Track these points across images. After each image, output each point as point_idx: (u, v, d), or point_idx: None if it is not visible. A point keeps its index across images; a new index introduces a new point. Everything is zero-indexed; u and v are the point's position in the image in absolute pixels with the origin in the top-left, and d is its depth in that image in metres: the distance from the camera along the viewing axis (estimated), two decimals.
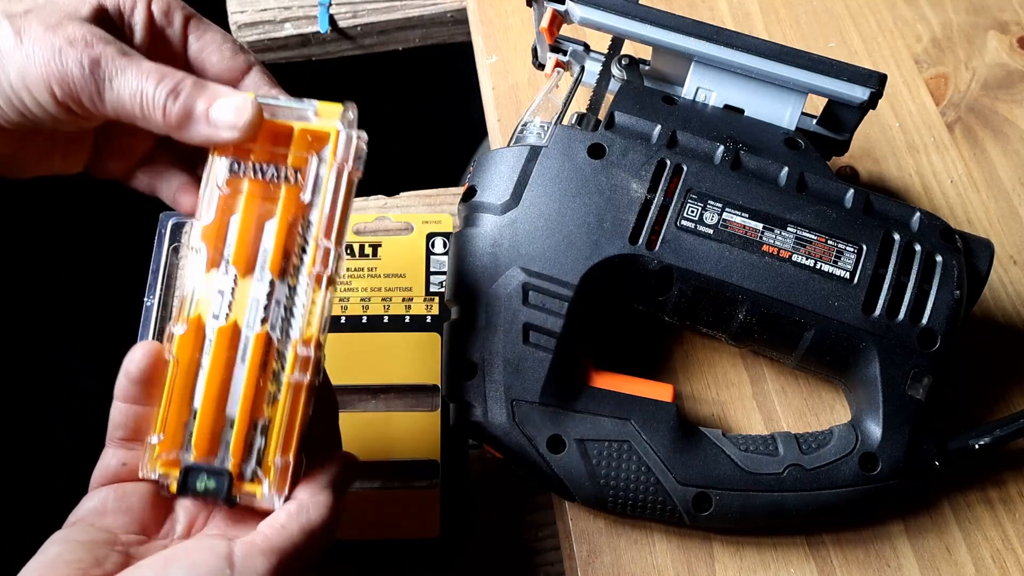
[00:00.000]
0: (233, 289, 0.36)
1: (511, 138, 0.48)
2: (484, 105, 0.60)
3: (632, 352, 0.49)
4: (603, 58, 0.51)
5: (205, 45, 0.39)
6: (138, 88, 0.35)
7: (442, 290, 0.53)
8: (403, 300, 0.53)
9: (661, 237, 0.43)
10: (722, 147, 0.45)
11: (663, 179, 0.44)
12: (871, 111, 0.47)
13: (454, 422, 0.44)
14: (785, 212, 0.44)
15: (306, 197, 0.36)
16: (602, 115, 0.46)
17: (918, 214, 0.44)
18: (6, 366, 0.81)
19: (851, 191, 0.44)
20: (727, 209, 0.44)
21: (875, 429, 0.43)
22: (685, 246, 0.43)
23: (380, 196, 0.58)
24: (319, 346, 0.36)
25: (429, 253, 0.55)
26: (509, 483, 0.50)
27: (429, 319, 0.53)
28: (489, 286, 0.44)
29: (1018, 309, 0.52)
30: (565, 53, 0.52)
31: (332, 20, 0.66)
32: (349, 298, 0.53)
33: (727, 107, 0.48)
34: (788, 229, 0.43)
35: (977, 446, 0.44)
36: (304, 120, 0.36)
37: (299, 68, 0.68)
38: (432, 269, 0.54)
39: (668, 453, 0.43)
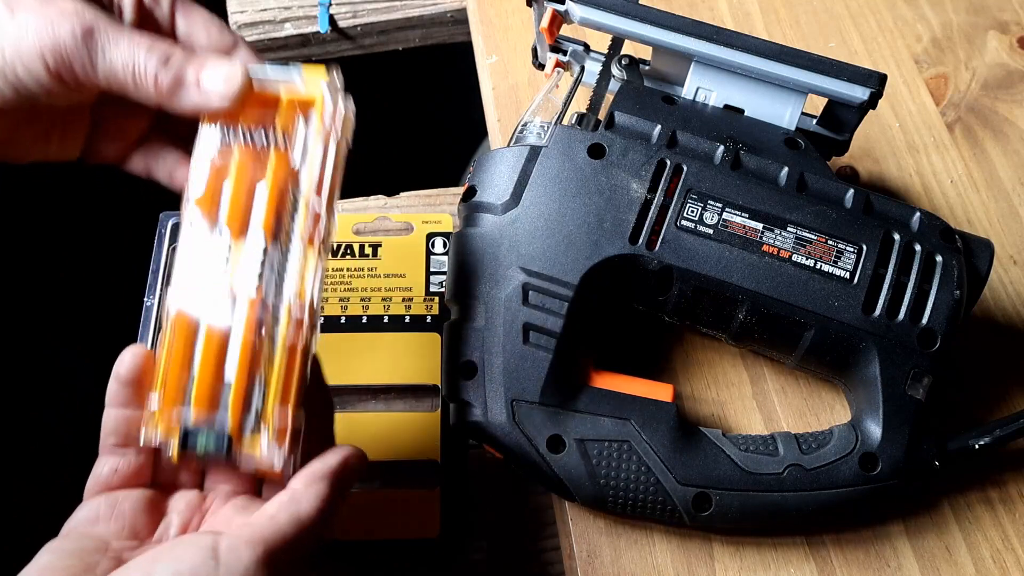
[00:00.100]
0: (228, 252, 0.37)
1: (511, 138, 0.48)
2: (484, 105, 0.60)
3: (632, 352, 0.49)
4: (603, 58, 0.51)
5: (192, 24, 0.40)
6: (130, 57, 0.35)
7: (442, 290, 0.53)
8: (403, 300, 0.53)
9: (661, 237, 0.43)
10: (722, 147, 0.45)
11: (663, 179, 0.44)
12: (871, 111, 0.47)
13: (454, 422, 0.44)
14: (785, 212, 0.44)
15: (296, 159, 0.37)
16: (602, 115, 0.46)
17: (918, 214, 0.44)
18: (6, 366, 0.81)
19: (851, 191, 0.44)
20: (727, 209, 0.44)
21: (875, 429, 0.43)
22: (685, 246, 0.43)
23: (380, 196, 0.58)
24: (313, 309, 0.36)
25: (429, 253, 0.55)
26: (509, 483, 0.50)
27: (429, 319, 0.53)
28: (489, 286, 0.44)
29: (1018, 309, 0.52)
30: (565, 53, 0.52)
31: (332, 20, 0.66)
32: (349, 298, 0.53)
33: (727, 107, 0.48)
34: (788, 229, 0.43)
35: (977, 446, 0.44)
36: (290, 85, 0.38)
37: None
38: (432, 269, 0.54)
39: (668, 453, 0.43)
